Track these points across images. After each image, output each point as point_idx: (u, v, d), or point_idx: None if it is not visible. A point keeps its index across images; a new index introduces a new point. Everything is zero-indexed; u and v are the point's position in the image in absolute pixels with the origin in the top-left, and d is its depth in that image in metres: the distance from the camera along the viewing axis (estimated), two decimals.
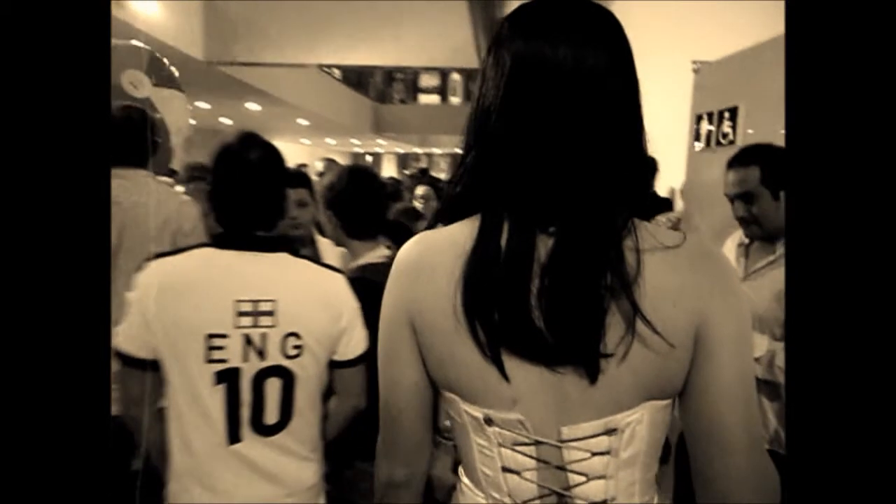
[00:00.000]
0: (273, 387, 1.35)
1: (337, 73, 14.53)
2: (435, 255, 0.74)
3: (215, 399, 1.31)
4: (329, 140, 20.02)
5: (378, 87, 18.63)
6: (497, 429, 0.73)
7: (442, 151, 24.36)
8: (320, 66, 12.17)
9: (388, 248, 1.90)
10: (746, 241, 1.89)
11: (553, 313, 0.66)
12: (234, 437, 1.33)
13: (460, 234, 0.72)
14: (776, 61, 1.82)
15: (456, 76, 20.22)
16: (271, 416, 1.36)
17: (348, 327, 1.43)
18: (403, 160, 25.58)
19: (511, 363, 0.70)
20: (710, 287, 0.69)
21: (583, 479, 0.72)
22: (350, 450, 1.61)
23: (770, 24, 2.10)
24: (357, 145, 22.40)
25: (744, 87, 2.38)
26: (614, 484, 0.73)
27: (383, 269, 1.28)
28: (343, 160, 21.23)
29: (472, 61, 8.31)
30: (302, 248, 2.18)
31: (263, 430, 1.36)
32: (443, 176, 15.13)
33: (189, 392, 1.31)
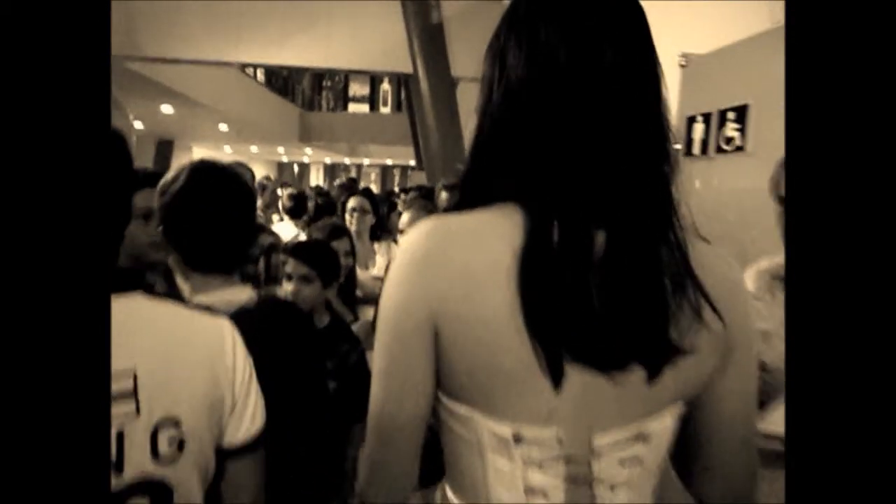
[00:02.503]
0: None
1: (261, 76, 14.47)
2: (467, 245, 0.71)
3: None
4: (253, 148, 19.97)
5: (305, 93, 18.64)
6: (525, 447, 0.71)
7: (371, 162, 24.60)
8: (241, 67, 11.93)
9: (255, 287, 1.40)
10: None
11: (619, 309, 0.67)
12: None
13: (497, 224, 0.71)
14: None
15: (386, 86, 20.57)
16: None
17: (240, 397, 1.03)
18: (332, 170, 25.61)
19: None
20: (739, 284, 0.76)
21: (610, 490, 0.73)
22: None
23: (766, 11, 1.86)
24: (282, 154, 22.53)
25: (752, 82, 2.06)
26: (638, 494, 0.74)
27: (256, 317, 1.13)
28: (267, 170, 21.46)
29: (405, 65, 8.21)
30: (155, 278, 1.60)
31: None
32: (373, 187, 15.78)
33: None
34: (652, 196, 0.68)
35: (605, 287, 0.66)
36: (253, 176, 2.96)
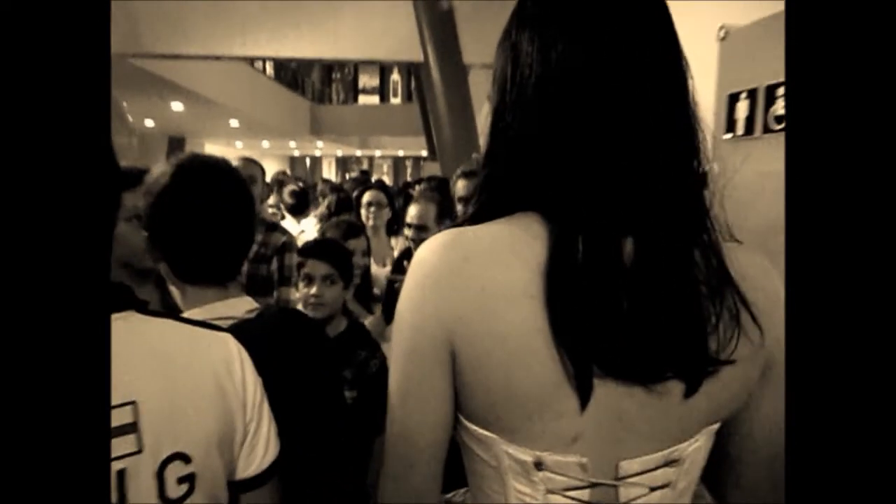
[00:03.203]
0: None
1: (269, 70, 14.48)
2: (484, 261, 0.67)
3: None
4: (264, 143, 20.03)
5: (315, 86, 18.69)
6: (547, 473, 0.69)
7: (383, 154, 24.61)
8: (249, 61, 11.91)
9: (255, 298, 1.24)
10: None
11: (652, 319, 0.63)
12: None
13: (514, 237, 0.68)
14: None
15: (396, 76, 20.61)
16: None
17: (252, 424, 0.92)
18: (344, 163, 25.41)
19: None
20: (777, 293, 0.71)
21: None
22: None
23: None
24: (294, 148, 22.56)
25: None
26: None
27: (260, 329, 1.05)
28: (279, 165, 21.55)
29: (415, 53, 8.02)
30: (142, 288, 1.42)
31: None
32: (386, 179, 15.82)
33: None
34: (682, 197, 0.66)
35: (637, 296, 0.64)
36: (263, 172, 2.80)
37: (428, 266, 0.70)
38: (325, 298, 1.86)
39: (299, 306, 1.94)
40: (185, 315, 1.06)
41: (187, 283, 1.12)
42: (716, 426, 0.72)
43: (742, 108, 2.17)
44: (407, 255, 2.53)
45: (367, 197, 3.26)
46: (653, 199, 0.65)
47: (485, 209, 0.73)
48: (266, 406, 0.94)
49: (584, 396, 0.65)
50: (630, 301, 0.64)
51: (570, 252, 0.64)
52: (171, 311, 1.09)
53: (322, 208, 4.15)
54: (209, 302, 1.10)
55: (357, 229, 2.40)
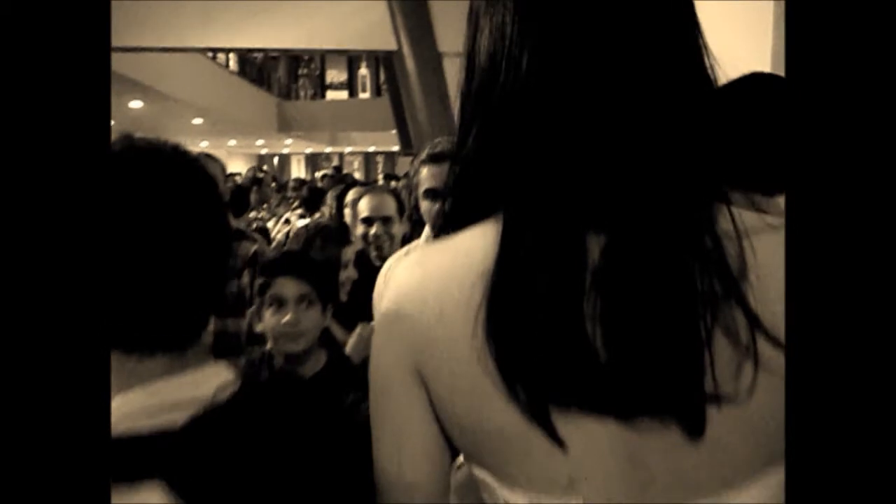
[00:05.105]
0: None
1: (233, 65, 14.36)
2: (442, 281, 0.62)
3: None
4: (230, 141, 19.97)
5: (281, 81, 18.75)
6: None
7: (353, 150, 24.59)
8: (212, 54, 11.91)
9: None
10: None
11: (624, 338, 0.54)
12: None
13: (473, 248, 0.61)
14: None
15: (364, 70, 20.94)
16: None
17: None
18: (313, 160, 25.27)
19: (567, 424, 0.58)
20: None
21: None
22: None
23: None
24: (261, 146, 22.63)
25: None
26: None
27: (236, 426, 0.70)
28: (246, 164, 21.34)
29: (388, 43, 8.00)
30: None
31: None
32: (357, 176, 15.65)
33: None
34: (679, 178, 0.56)
35: (607, 308, 0.55)
36: (224, 171, 2.40)
37: (393, 288, 0.66)
38: (303, 326, 1.49)
39: (268, 342, 1.55)
40: (113, 403, 0.65)
41: (115, 349, 0.67)
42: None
43: None
44: (361, 258, 2.11)
45: (352, 195, 2.90)
46: (642, 183, 0.56)
47: (456, 214, 0.66)
48: None
49: (549, 434, 0.58)
50: (594, 317, 0.56)
51: (515, 255, 0.57)
52: None
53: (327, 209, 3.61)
54: (153, 379, 0.68)
55: (343, 235, 2.02)
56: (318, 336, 1.57)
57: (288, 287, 1.50)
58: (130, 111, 11.57)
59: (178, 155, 0.72)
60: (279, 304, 1.50)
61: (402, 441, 0.67)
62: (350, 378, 1.58)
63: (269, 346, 1.60)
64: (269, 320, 1.51)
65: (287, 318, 1.47)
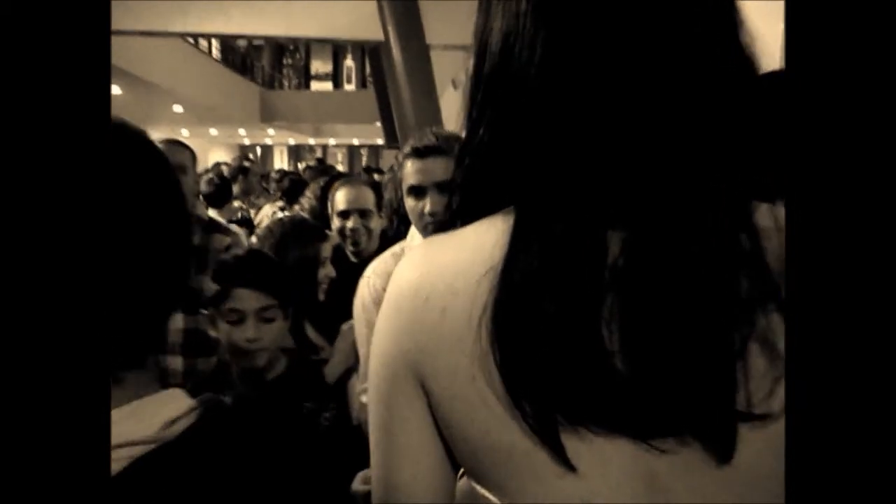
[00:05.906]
0: None
1: (216, 53, 14.24)
2: (446, 279, 0.58)
3: None
4: (212, 130, 19.91)
5: (265, 71, 18.73)
6: None
7: (337, 142, 24.67)
8: (193, 40, 11.86)
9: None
10: None
11: (645, 347, 0.51)
12: None
13: (481, 242, 0.58)
14: None
15: (349, 62, 20.94)
16: None
17: None
18: (296, 152, 25.22)
19: (578, 442, 0.54)
20: None
21: None
22: None
23: None
24: (244, 136, 22.63)
25: None
26: None
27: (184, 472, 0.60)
28: (228, 154, 21.17)
29: (375, 33, 7.94)
30: None
31: None
32: (340, 168, 15.58)
33: None
34: (713, 173, 0.52)
35: (624, 314, 0.52)
36: (195, 158, 2.23)
37: (395, 283, 0.63)
38: (265, 341, 1.33)
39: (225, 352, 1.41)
40: None
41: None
42: None
43: None
44: (337, 253, 1.99)
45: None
46: (673, 177, 0.52)
47: (465, 207, 0.64)
48: None
49: (557, 452, 0.54)
50: (612, 322, 0.52)
51: (525, 251, 0.53)
52: None
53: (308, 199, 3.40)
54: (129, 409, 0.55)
55: (321, 229, 1.88)
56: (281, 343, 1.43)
57: (246, 300, 1.33)
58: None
59: (120, 130, 0.59)
60: (238, 317, 1.33)
61: (400, 450, 0.65)
62: (312, 385, 1.46)
63: (225, 355, 1.44)
64: (225, 332, 1.34)
65: (249, 333, 1.32)
